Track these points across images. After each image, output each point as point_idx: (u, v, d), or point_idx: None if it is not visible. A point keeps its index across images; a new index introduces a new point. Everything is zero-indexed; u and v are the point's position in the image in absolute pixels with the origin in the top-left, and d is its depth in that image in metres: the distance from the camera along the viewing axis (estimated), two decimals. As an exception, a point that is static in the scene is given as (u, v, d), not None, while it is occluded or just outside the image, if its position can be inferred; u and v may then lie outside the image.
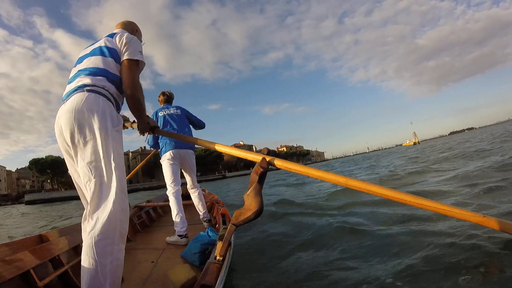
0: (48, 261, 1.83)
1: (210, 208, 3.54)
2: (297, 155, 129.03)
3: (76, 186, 1.42)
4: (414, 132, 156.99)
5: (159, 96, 3.33)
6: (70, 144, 1.31)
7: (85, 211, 1.28)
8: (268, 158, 1.46)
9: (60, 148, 1.40)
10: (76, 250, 2.12)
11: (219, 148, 1.74)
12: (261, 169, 1.42)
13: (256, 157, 1.50)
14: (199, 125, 3.33)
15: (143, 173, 71.92)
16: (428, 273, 1.68)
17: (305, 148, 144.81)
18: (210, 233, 2.28)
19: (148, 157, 5.38)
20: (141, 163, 5.65)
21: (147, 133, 1.90)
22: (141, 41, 1.86)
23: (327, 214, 3.86)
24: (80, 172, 1.30)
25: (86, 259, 1.13)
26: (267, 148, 1.54)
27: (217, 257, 1.48)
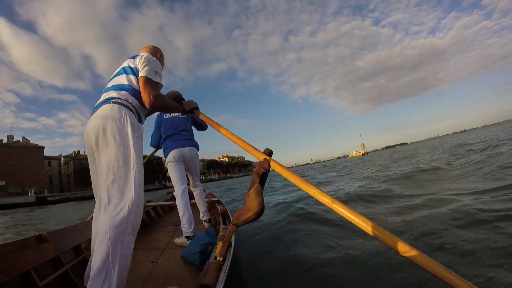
0: (48, 261, 1.86)
1: (210, 208, 3.57)
2: (239, 165, 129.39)
3: (93, 185, 1.61)
4: (363, 144, 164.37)
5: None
6: (94, 146, 1.51)
7: (96, 206, 1.55)
8: (269, 159, 1.43)
9: (86, 151, 1.62)
10: (76, 250, 2.16)
11: (225, 132, 1.69)
12: (263, 170, 1.41)
13: (258, 155, 1.47)
14: (202, 125, 3.31)
15: (75, 180, 63.88)
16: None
17: (247, 159, 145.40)
18: (210, 233, 2.29)
19: (150, 155, 5.04)
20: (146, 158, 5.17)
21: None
22: (163, 64, 2.13)
23: (328, 218, 3.90)
24: (102, 171, 1.46)
25: (100, 244, 1.28)
26: (269, 149, 1.49)
27: (217, 257, 1.51)
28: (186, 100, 1.98)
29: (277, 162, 1.45)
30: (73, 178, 64.42)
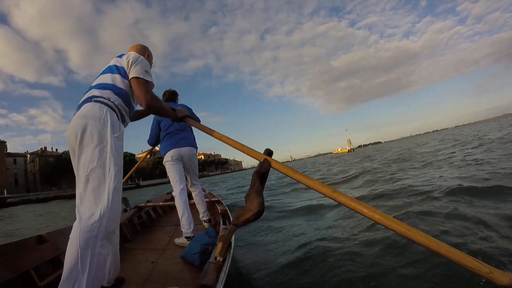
0: (48, 261, 1.89)
1: (209, 208, 3.58)
2: (216, 163, 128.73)
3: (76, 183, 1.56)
4: (349, 140, 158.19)
5: (163, 96, 3.40)
6: (73, 146, 1.49)
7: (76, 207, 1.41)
8: (269, 159, 1.45)
9: (70, 152, 1.58)
10: None
11: (218, 136, 1.74)
12: (263, 170, 1.43)
13: (258, 156, 1.49)
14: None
15: (41, 180, 59.48)
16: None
17: (223, 156, 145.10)
18: (210, 233, 2.31)
19: (146, 153, 5.09)
20: (139, 163, 5.19)
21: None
22: (151, 63, 2.13)
23: (329, 217, 3.97)
24: (78, 171, 1.45)
25: (69, 249, 1.28)
26: (269, 149, 1.52)
27: (217, 258, 1.54)
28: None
29: (277, 162, 1.47)
30: (39, 177, 60.05)
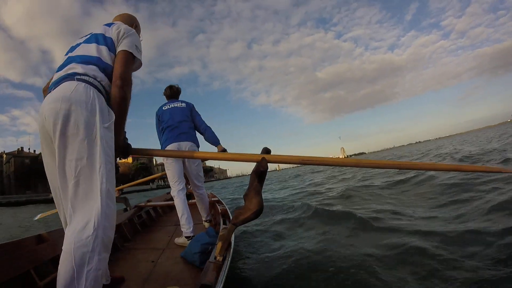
0: (48, 260, 1.89)
1: (210, 208, 3.54)
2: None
3: (51, 187, 1.31)
4: (343, 148, 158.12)
5: (165, 91, 3.18)
6: (52, 136, 1.21)
7: (64, 216, 1.23)
8: (268, 158, 1.47)
9: (41, 140, 1.29)
10: None
11: (219, 156, 1.76)
12: (261, 169, 1.44)
13: (255, 158, 1.49)
14: (200, 127, 3.01)
15: (16, 182, 57.50)
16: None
17: (208, 164, 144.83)
18: (210, 233, 2.32)
19: (155, 176, 5.25)
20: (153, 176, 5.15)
21: (119, 157, 1.57)
22: (139, 37, 1.81)
23: (330, 216, 3.95)
24: (63, 170, 1.19)
25: (63, 266, 1.09)
26: (266, 148, 1.55)
27: (217, 257, 1.55)
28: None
29: (275, 155, 1.52)
30: (13, 179, 57.80)
